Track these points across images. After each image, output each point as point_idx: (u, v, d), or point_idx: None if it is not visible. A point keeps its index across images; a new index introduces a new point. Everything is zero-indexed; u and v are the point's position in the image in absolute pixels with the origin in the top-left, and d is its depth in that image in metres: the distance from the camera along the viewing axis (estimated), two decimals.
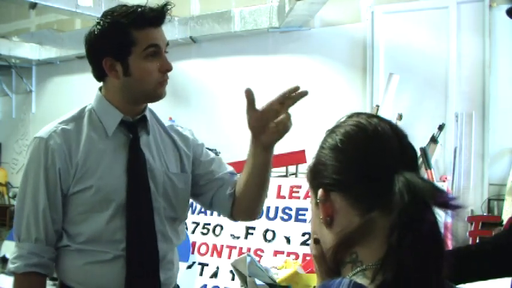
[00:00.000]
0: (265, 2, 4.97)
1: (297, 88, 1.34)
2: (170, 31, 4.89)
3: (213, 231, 3.52)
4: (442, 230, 0.71)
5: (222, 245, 3.45)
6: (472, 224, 3.80)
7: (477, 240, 3.63)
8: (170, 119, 3.22)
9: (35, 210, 1.36)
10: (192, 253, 3.49)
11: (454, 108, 4.11)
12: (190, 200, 1.59)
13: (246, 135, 1.41)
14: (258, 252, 3.26)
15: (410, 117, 4.14)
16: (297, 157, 3.76)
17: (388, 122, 0.80)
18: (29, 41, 6.47)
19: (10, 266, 1.36)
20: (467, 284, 1.24)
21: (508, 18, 1.37)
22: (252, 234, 3.37)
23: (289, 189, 3.41)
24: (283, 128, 1.34)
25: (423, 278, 0.68)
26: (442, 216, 0.71)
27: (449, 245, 0.80)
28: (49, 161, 1.36)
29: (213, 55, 5.36)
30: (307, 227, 3.17)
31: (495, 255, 1.28)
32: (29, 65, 6.82)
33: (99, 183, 1.37)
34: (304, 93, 1.34)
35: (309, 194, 0.84)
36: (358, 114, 0.81)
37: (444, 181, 3.97)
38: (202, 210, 3.61)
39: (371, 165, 0.75)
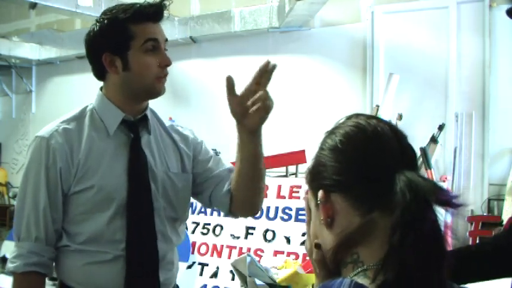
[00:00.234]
0: (265, 2, 4.97)
1: (268, 63, 1.31)
2: (170, 31, 4.89)
3: (213, 231, 3.52)
4: (443, 229, 0.71)
5: (222, 245, 3.45)
6: (472, 224, 3.79)
7: (477, 241, 3.64)
8: (170, 119, 3.20)
9: (36, 209, 1.36)
10: (192, 253, 3.49)
11: (454, 108, 4.10)
12: (191, 200, 1.58)
13: None
14: (258, 252, 3.26)
15: (410, 117, 4.14)
16: (297, 157, 3.76)
17: (388, 123, 0.80)
18: (29, 41, 6.46)
19: (9, 265, 1.36)
20: (467, 285, 1.24)
21: (508, 18, 1.37)
22: (252, 234, 3.37)
23: (289, 189, 3.40)
24: (264, 107, 1.31)
25: (425, 277, 0.68)
26: (442, 215, 0.71)
27: (450, 244, 0.80)
28: (50, 160, 1.36)
29: (213, 55, 5.35)
30: None
31: (495, 255, 1.28)
32: (29, 65, 6.81)
33: (101, 183, 1.37)
34: (274, 66, 1.31)
35: (307, 195, 0.84)
36: (357, 115, 0.82)
37: (444, 181, 3.97)
38: (202, 210, 3.61)
39: (371, 166, 0.75)
